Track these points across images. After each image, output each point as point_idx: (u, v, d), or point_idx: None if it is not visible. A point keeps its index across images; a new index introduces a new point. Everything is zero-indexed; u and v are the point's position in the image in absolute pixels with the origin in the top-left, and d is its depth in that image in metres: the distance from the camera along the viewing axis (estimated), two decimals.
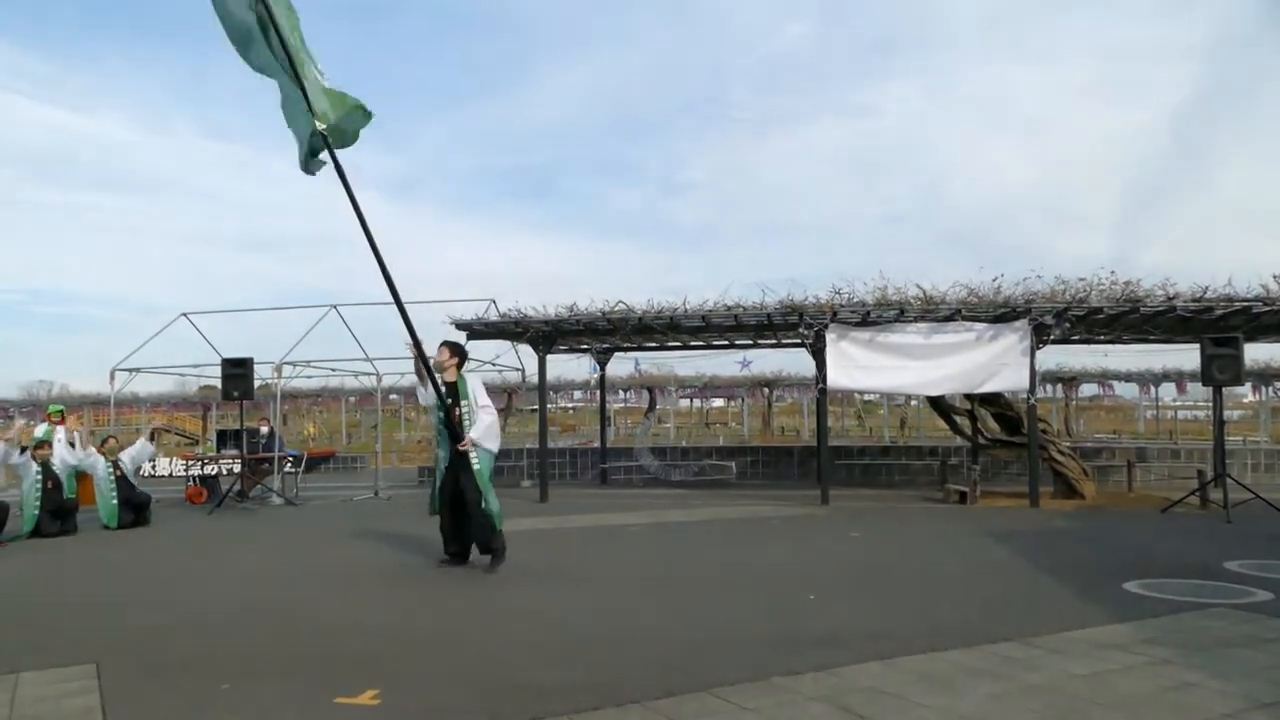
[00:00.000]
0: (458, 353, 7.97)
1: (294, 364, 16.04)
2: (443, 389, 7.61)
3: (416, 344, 7.39)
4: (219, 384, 14.50)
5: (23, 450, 11.15)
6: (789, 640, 5.31)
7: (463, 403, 7.71)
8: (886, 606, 6.31)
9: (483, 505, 7.57)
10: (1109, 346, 17.09)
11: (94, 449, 11.85)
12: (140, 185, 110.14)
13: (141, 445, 12.85)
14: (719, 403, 43.53)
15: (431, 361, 7.64)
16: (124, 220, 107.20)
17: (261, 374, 14.91)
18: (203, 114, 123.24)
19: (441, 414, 7.65)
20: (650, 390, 32.52)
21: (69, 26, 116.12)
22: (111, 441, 12.23)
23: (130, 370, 15.97)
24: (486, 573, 7.56)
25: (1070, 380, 30.02)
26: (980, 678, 4.45)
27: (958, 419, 15.02)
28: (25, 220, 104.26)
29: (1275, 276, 11.66)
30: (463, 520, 7.80)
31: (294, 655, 5.15)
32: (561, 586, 7.24)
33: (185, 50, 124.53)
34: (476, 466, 7.58)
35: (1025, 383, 12.40)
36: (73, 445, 11.87)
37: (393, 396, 34.10)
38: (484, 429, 7.65)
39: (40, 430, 13.57)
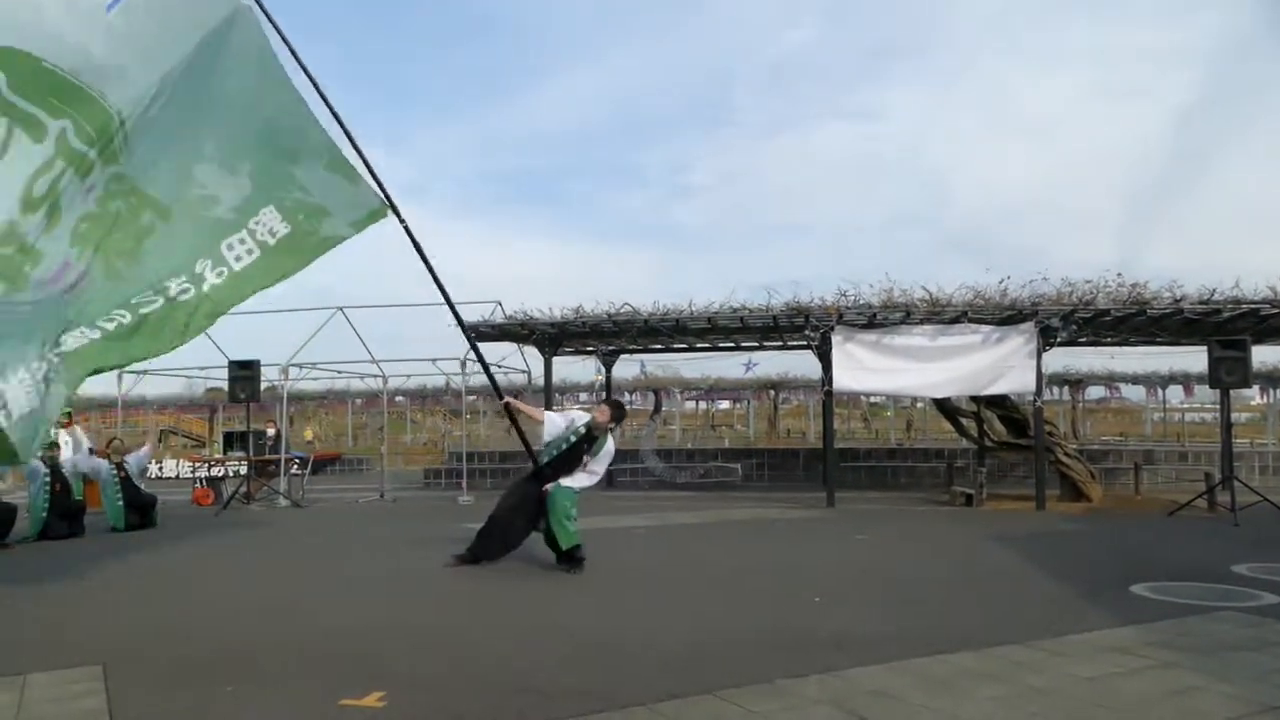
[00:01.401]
0: (619, 418, 8.25)
1: (300, 366, 16.09)
2: (579, 434, 7.89)
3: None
4: (226, 386, 14.55)
5: None
6: (794, 643, 5.31)
7: (586, 456, 7.90)
8: (891, 609, 6.30)
9: (562, 525, 7.79)
10: (1115, 349, 17.05)
11: (94, 452, 11.90)
12: None
13: (147, 449, 12.91)
14: (725, 405, 43.45)
15: (593, 419, 7.93)
16: None
17: (268, 376, 14.96)
18: None
19: (561, 450, 7.93)
20: (656, 392, 32.46)
21: None
22: (116, 442, 12.28)
23: (138, 372, 16.05)
24: (569, 573, 7.72)
25: (1077, 383, 29.91)
26: (984, 681, 4.45)
27: (964, 421, 14.98)
28: None
29: None
30: (519, 534, 8.08)
31: (299, 657, 5.17)
32: (566, 588, 7.25)
33: None
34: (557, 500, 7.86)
35: (1031, 385, 12.38)
36: (91, 451, 11.92)
37: (398, 399, 34.17)
38: (573, 478, 7.89)
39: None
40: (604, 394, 20.27)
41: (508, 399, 8.25)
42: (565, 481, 7.82)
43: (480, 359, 8.49)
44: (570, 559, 7.81)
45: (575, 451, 7.88)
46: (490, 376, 8.42)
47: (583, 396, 34.69)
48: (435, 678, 4.71)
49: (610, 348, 17.20)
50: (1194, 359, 21.20)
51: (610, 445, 7.99)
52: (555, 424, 8.03)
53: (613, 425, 8.03)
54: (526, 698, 4.33)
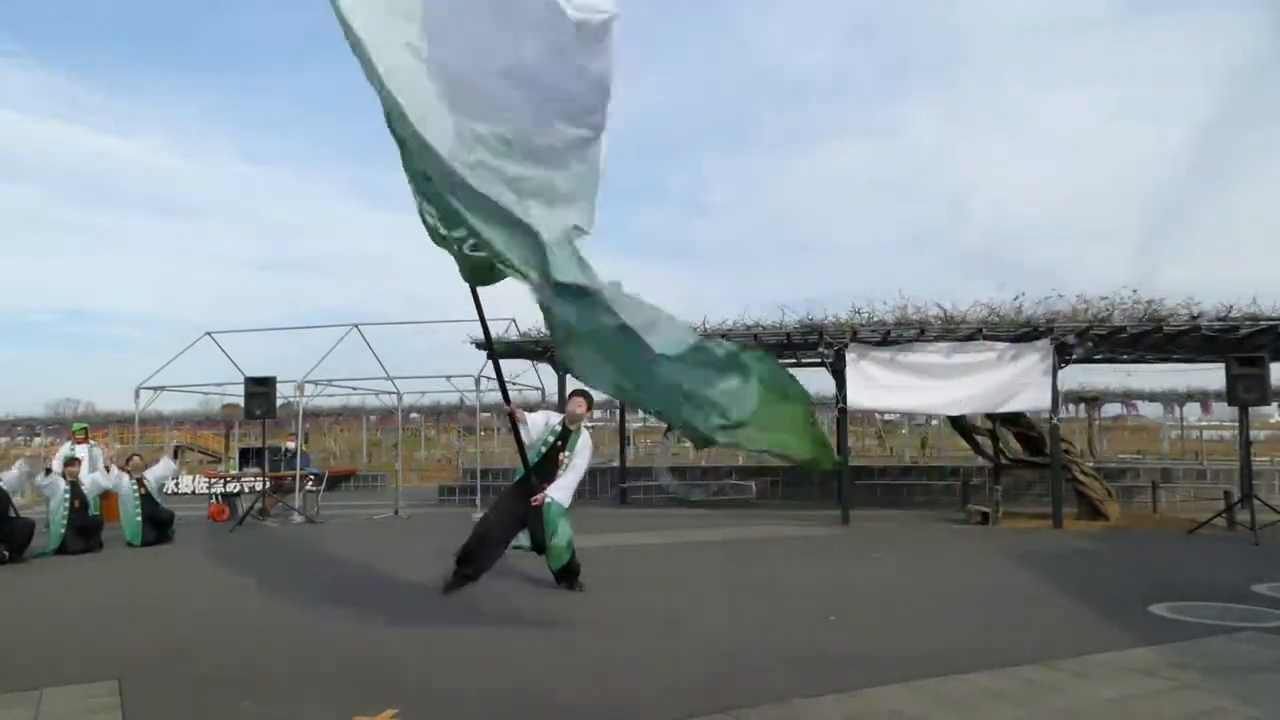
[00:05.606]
0: (589, 405, 8.21)
1: (316, 383, 16.18)
2: (555, 432, 7.77)
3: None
4: (242, 402, 14.63)
5: (48, 471, 11.28)
6: (810, 661, 5.28)
7: (564, 454, 7.75)
8: (908, 628, 6.26)
9: (554, 540, 7.61)
10: (1132, 366, 16.96)
11: (116, 469, 11.97)
12: (174, 207, 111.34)
13: (165, 464, 12.98)
14: None
15: (569, 413, 7.88)
16: (157, 242, 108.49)
17: (284, 392, 15.03)
18: (240, 137, 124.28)
19: (541, 453, 7.74)
20: None
21: (116, 56, 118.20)
22: (136, 460, 12.36)
23: (155, 389, 16.15)
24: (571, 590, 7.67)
25: (1093, 400, 29.69)
26: (1003, 701, 4.40)
27: (979, 439, 14.89)
28: (63, 242, 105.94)
29: None
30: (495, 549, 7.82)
31: (314, 673, 5.17)
32: (580, 605, 7.21)
33: (227, 76, 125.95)
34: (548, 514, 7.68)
35: (1047, 402, 12.31)
36: (108, 469, 12.00)
37: (413, 415, 34.26)
38: (563, 488, 7.65)
39: (65, 449, 13.74)
40: (617, 411, 20.27)
41: (511, 408, 7.71)
42: (553, 492, 7.56)
43: (498, 373, 8.29)
44: (568, 578, 7.77)
45: (553, 452, 7.73)
46: (503, 384, 8.11)
47: (596, 413, 34.71)
48: (449, 694, 4.70)
49: None
50: (1212, 376, 21.06)
51: (586, 438, 7.86)
52: (536, 425, 7.83)
53: (589, 414, 7.95)
54: (540, 716, 4.32)
